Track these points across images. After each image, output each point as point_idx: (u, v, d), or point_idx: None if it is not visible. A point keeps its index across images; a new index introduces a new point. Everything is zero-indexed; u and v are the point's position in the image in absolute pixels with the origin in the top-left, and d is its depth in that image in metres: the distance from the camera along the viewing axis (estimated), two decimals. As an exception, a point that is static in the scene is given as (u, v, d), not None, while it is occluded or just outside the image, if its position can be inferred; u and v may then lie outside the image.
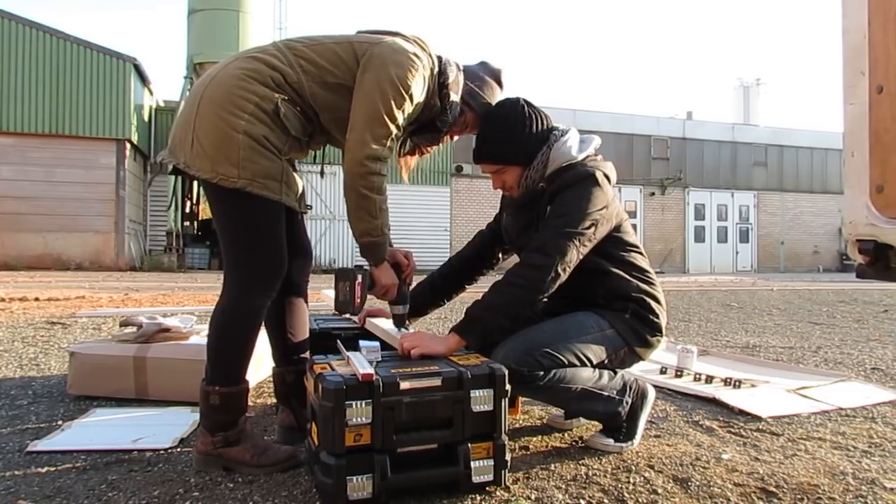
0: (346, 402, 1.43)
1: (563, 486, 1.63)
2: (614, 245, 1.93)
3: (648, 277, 1.97)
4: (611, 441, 1.91)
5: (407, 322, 1.97)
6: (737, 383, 2.73)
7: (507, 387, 1.57)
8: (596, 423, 2.02)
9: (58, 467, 1.75)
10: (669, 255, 21.77)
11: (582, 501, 1.55)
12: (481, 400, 1.54)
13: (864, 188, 1.29)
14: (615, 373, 1.92)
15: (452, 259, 2.29)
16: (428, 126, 1.90)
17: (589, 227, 1.79)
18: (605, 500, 1.56)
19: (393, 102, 1.68)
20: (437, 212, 19.60)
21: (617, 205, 1.92)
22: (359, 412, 1.44)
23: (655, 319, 1.93)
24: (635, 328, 1.90)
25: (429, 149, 2.03)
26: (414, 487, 1.54)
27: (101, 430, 2.09)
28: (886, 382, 2.97)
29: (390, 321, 2.03)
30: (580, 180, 1.84)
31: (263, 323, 1.87)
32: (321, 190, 18.31)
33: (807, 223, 23.79)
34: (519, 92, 1.98)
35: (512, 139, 1.90)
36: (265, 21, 19.08)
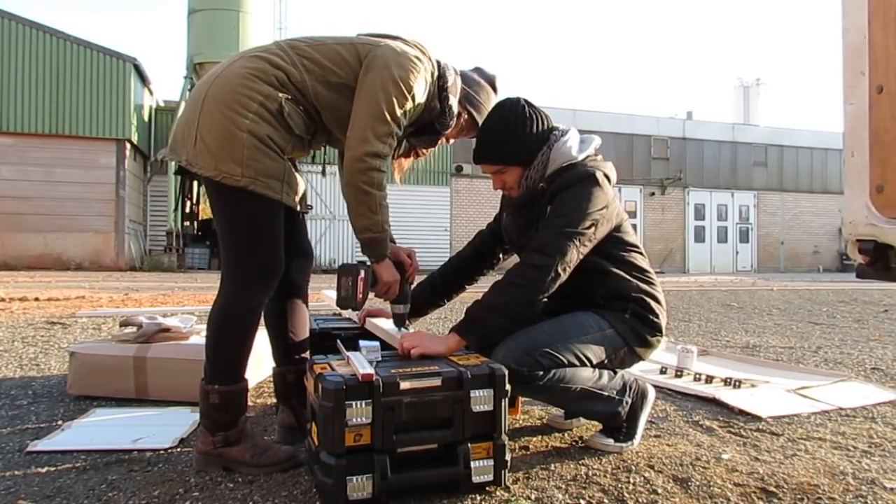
0: (346, 402, 1.43)
1: (563, 486, 1.63)
2: (614, 245, 1.93)
3: (648, 277, 1.97)
4: (611, 441, 1.91)
5: (407, 322, 1.97)
6: (737, 383, 2.73)
7: (507, 387, 1.58)
8: (596, 423, 2.02)
9: (58, 467, 1.75)
10: (669, 255, 21.78)
11: (582, 501, 1.55)
12: (481, 400, 1.54)
13: (864, 188, 1.29)
14: (615, 373, 1.92)
15: (453, 259, 2.29)
16: (426, 128, 1.91)
17: (589, 227, 1.80)
18: (605, 500, 1.56)
19: (395, 101, 1.69)
20: (437, 212, 19.61)
21: (617, 205, 1.92)
22: (359, 412, 1.44)
23: (655, 319, 1.93)
24: (635, 328, 1.90)
25: (424, 151, 2.05)
26: (414, 487, 1.54)
27: (101, 430, 2.09)
28: (886, 382, 2.97)
29: (390, 321, 2.03)
30: (580, 180, 1.84)
31: (264, 322, 1.87)
32: (322, 190, 18.32)
33: (807, 223, 23.79)
34: (519, 92, 1.99)
35: (512, 139, 1.90)
36: (265, 21, 19.08)
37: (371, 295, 1.83)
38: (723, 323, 5.51)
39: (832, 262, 23.80)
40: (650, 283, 1.96)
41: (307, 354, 1.95)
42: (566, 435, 2.06)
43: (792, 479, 1.68)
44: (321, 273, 14.29)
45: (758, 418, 2.28)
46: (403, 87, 1.70)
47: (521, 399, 2.25)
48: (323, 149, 1.97)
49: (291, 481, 1.65)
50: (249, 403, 2.06)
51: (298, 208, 1.79)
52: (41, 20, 23.02)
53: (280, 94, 1.65)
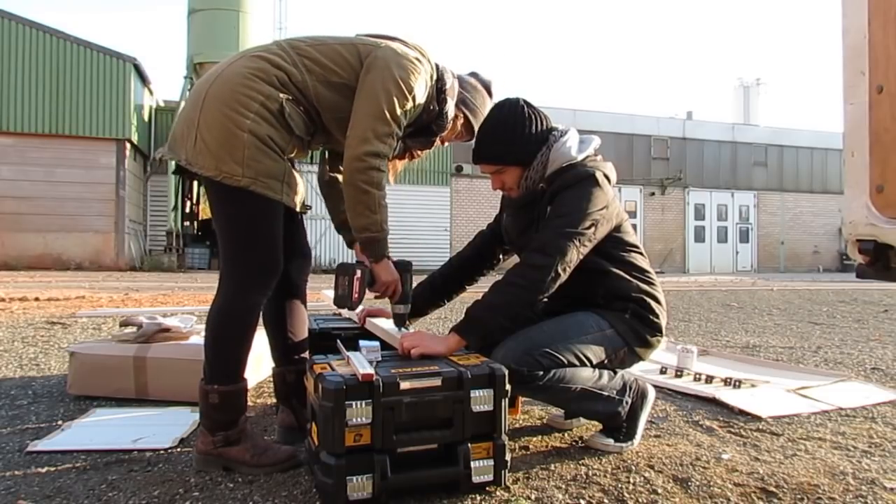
0: (346, 402, 1.43)
1: (563, 486, 1.63)
2: (614, 245, 1.93)
3: (648, 277, 1.97)
4: (611, 441, 1.91)
5: (407, 322, 1.97)
6: (737, 383, 2.73)
7: (507, 387, 1.58)
8: (596, 423, 2.02)
9: (58, 467, 1.75)
10: (669, 255, 21.77)
11: (582, 501, 1.55)
12: (481, 400, 1.54)
13: (864, 188, 1.29)
14: (615, 373, 1.92)
15: (453, 259, 2.29)
16: (422, 130, 1.92)
17: (589, 227, 1.80)
18: (605, 500, 1.56)
19: (396, 101, 1.69)
20: (437, 212, 19.61)
21: (617, 205, 1.92)
22: (359, 412, 1.44)
23: (655, 319, 1.93)
24: (635, 328, 1.90)
25: (419, 153, 2.05)
26: (414, 487, 1.54)
27: (101, 430, 2.09)
28: (886, 382, 2.97)
29: (390, 321, 2.03)
30: (580, 180, 1.84)
31: (263, 323, 1.87)
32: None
33: (807, 223, 23.79)
34: (518, 92, 1.99)
35: (511, 140, 1.90)
36: (265, 21, 19.09)
37: (371, 295, 1.83)
38: (723, 323, 5.51)
39: (832, 262, 23.80)
40: (650, 284, 1.96)
41: (306, 354, 1.95)
42: (566, 435, 2.06)
43: (792, 479, 1.68)
44: (321, 273, 14.29)
45: (758, 418, 2.28)
46: (404, 88, 1.71)
47: (521, 399, 2.25)
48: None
49: (291, 481, 1.65)
50: (249, 403, 2.06)
51: (298, 209, 1.80)
52: (41, 20, 23.07)
53: (281, 95, 1.65)
